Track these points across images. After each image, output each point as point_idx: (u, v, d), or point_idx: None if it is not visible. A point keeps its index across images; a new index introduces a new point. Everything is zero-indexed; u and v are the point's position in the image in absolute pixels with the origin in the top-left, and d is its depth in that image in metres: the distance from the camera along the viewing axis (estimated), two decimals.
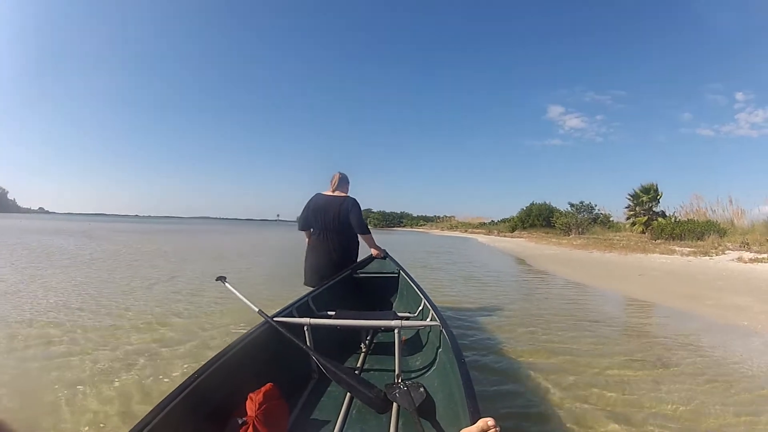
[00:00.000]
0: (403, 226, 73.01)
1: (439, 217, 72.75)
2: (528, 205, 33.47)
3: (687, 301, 5.79)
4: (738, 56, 73.58)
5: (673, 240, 15.48)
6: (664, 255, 12.43)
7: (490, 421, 0.98)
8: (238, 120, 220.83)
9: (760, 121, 71.13)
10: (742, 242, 13.39)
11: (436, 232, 50.56)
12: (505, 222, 40.21)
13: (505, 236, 30.38)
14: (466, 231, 44.87)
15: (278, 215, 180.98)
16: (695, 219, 17.19)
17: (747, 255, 11.11)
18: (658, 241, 15.72)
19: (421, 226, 69.89)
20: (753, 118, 73.45)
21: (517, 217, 34.26)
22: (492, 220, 47.81)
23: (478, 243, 25.25)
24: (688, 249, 13.06)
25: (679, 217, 17.90)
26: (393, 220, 79.13)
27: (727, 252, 12.07)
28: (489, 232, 37.48)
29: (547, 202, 32.08)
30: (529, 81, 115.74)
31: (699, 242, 14.44)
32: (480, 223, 49.42)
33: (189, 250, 13.45)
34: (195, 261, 10.02)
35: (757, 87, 67.53)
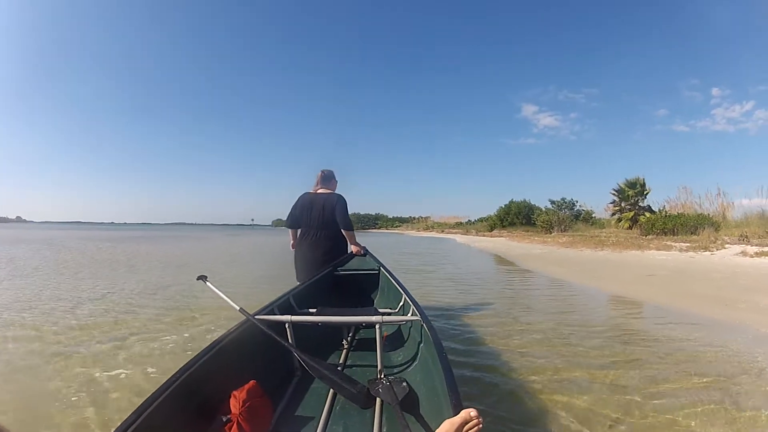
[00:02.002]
0: (378, 228, 71.69)
1: (414, 218, 71.53)
2: (507, 203, 32.19)
3: (716, 305, 4.96)
4: (714, 51, 74.39)
5: (665, 235, 14.51)
6: (661, 251, 11.43)
7: (473, 412, 1.00)
8: (213, 127, 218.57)
9: (737, 116, 72.90)
10: (741, 235, 12.52)
11: (412, 233, 49.36)
12: (482, 221, 39.13)
13: (484, 236, 29.32)
14: (442, 231, 43.79)
15: (252, 220, 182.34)
16: (685, 213, 16.33)
17: (751, 249, 10.22)
18: (649, 236, 14.73)
19: (396, 227, 68.68)
20: (729, 113, 75.09)
21: (496, 215, 32.94)
22: (469, 219, 46.82)
23: (456, 243, 24.14)
24: (685, 244, 12.10)
25: (670, 211, 17.00)
26: (368, 222, 77.45)
27: (727, 246, 11.17)
28: (467, 232, 36.41)
29: (527, 200, 31.01)
30: (502, 80, 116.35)
31: (693, 237, 13.53)
32: (456, 222, 48.29)
33: (145, 259, 12.04)
34: (145, 271, 8.76)
35: (733, 82, 69.03)
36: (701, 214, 15.70)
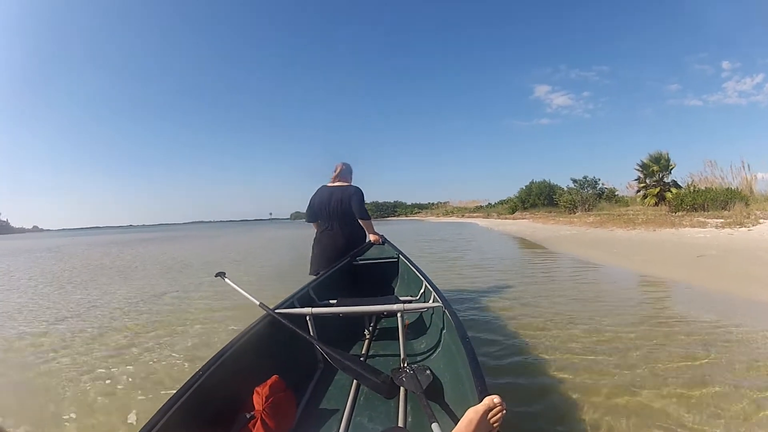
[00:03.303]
0: (398, 216, 71.52)
1: (433, 204, 71.39)
2: (527, 183, 32.02)
3: None
4: (723, 25, 72.59)
5: (695, 211, 14.38)
6: (696, 228, 11.29)
7: (496, 399, 1.00)
8: (229, 123, 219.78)
9: (748, 89, 71.24)
10: None
11: (432, 219, 49.34)
12: (503, 203, 38.96)
13: (506, 218, 29.23)
14: (462, 216, 43.72)
15: (271, 214, 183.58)
16: (713, 187, 16.12)
17: None
18: (679, 213, 14.62)
19: (415, 214, 68.51)
20: (741, 86, 73.62)
21: (517, 197, 32.79)
22: (489, 203, 46.58)
23: (479, 228, 24.13)
24: (719, 220, 11.97)
25: (698, 186, 16.77)
26: (387, 210, 77.14)
27: (761, 221, 11.04)
28: (487, 215, 36.32)
29: (547, 180, 30.75)
30: (513, 62, 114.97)
31: (724, 212, 13.37)
32: (476, 206, 48.08)
33: (147, 263, 11.76)
34: (141, 278, 8.34)
35: (743, 55, 67.45)
36: (729, 188, 15.48)
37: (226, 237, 28.17)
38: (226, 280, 2.32)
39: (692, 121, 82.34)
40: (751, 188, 16.16)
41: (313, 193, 3.61)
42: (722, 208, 13.89)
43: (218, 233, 37.08)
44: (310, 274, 3.42)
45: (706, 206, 14.28)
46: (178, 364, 3.12)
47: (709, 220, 12.04)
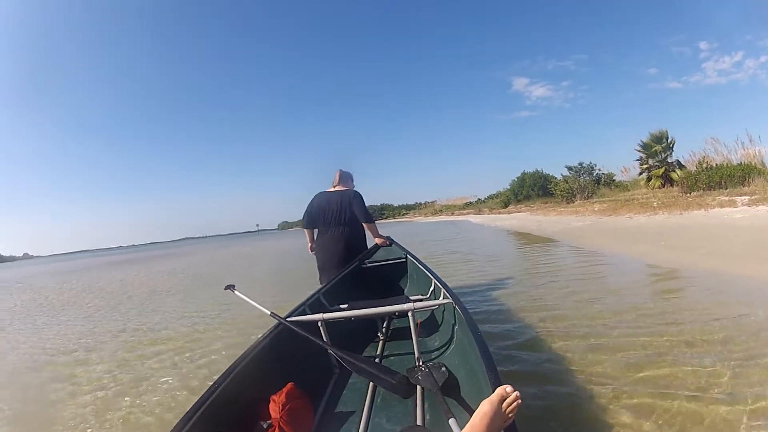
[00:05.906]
0: (386, 218, 69.71)
1: (420, 204, 70.26)
2: (519, 175, 30.74)
3: None
4: (697, 5, 73.53)
5: (712, 190, 13.37)
6: (726, 208, 10.25)
7: (508, 388, 0.98)
8: (215, 138, 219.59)
9: (727, 67, 72.47)
10: None
11: (421, 219, 47.94)
12: (493, 198, 37.93)
13: (499, 212, 28.17)
14: (452, 213, 42.54)
15: (257, 225, 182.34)
16: (724, 164, 15.18)
17: None
18: (695, 193, 13.59)
19: (403, 215, 67.08)
20: (720, 65, 74.85)
21: (509, 189, 31.64)
22: (478, 198, 45.46)
23: (474, 225, 22.91)
24: (744, 197, 10.99)
25: (710, 163, 15.77)
26: (374, 213, 74.75)
27: None
28: (479, 211, 35.20)
29: (539, 170, 29.63)
30: (490, 57, 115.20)
31: (744, 189, 12.42)
32: (466, 203, 46.90)
33: (92, 294, 10.27)
34: (65, 321, 6.64)
35: (719, 35, 68.60)
36: (742, 163, 14.56)
37: (199, 255, 26.92)
38: (236, 292, 2.31)
39: (675, 103, 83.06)
40: (762, 162, 15.30)
41: (311, 199, 3.56)
42: (740, 185, 12.93)
43: (196, 250, 36.44)
44: (320, 283, 3.28)
45: (723, 184, 13.26)
46: None
47: (737, 198, 11.01)
